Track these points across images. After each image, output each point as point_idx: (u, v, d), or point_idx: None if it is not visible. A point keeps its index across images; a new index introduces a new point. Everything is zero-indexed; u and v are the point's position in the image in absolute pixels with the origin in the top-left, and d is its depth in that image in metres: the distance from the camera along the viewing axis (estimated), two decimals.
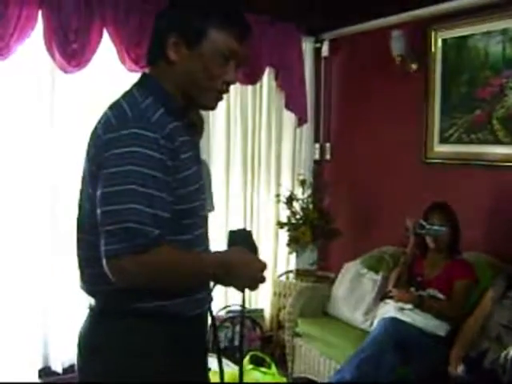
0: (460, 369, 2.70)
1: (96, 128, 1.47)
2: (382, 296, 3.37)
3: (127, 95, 1.49)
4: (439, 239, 3.25)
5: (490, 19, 3.44)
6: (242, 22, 1.52)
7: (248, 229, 1.64)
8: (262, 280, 1.49)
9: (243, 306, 1.63)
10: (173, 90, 1.50)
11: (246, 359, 3.11)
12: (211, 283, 1.58)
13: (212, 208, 3.54)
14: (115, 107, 1.45)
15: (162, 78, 1.50)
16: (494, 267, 3.24)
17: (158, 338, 1.46)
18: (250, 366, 3.03)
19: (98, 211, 1.35)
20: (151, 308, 1.44)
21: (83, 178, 1.50)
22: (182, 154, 1.43)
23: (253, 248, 1.55)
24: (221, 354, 1.72)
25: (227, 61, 1.50)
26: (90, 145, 1.47)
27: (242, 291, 1.54)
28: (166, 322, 1.47)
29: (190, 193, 1.46)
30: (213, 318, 1.71)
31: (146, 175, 1.33)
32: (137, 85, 1.52)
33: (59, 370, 3.69)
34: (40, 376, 3.70)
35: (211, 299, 1.64)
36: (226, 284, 1.51)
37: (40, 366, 3.70)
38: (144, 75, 1.56)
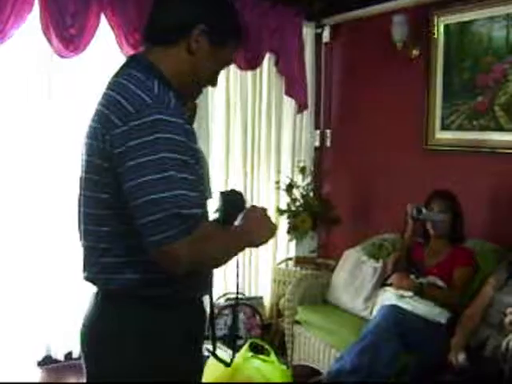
0: (461, 357, 2.68)
1: (104, 113, 1.41)
2: (382, 282, 3.36)
3: (128, 77, 1.44)
4: (438, 226, 3.23)
5: (493, 4, 3.39)
6: (246, 39, 1.64)
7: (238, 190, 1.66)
8: (272, 224, 1.56)
9: (237, 292, 1.63)
10: (171, 75, 1.48)
11: (245, 347, 3.09)
12: None
13: (210, 195, 3.52)
14: (123, 90, 1.40)
15: (161, 61, 1.48)
16: (496, 254, 3.22)
17: (171, 323, 1.48)
18: (250, 354, 3.01)
19: (135, 202, 1.32)
20: (159, 294, 1.45)
21: (88, 166, 1.47)
22: (195, 137, 1.45)
23: (244, 207, 1.59)
24: (215, 342, 1.71)
25: (223, 68, 1.60)
26: (100, 131, 1.40)
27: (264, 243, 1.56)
28: (172, 308, 1.48)
29: (202, 175, 1.50)
30: (211, 304, 1.71)
31: (178, 160, 1.33)
32: (132, 66, 1.48)
33: (60, 357, 3.70)
34: (40, 365, 3.71)
35: (212, 285, 1.65)
36: (252, 246, 1.56)
37: (41, 355, 3.71)
38: (137, 56, 1.54)
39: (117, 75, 1.48)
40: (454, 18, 3.64)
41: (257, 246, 1.54)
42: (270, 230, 1.54)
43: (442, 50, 3.71)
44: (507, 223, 3.09)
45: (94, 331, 1.51)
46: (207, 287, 1.60)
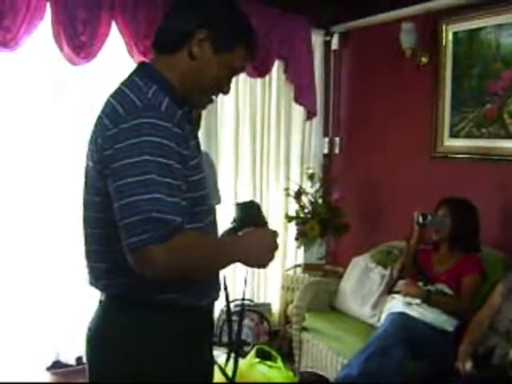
0: (468, 365, 2.67)
1: (101, 118, 1.45)
2: (389, 289, 3.35)
3: (129, 84, 1.47)
4: (443, 232, 3.23)
5: (501, 12, 3.40)
6: (256, 46, 1.58)
7: (255, 200, 1.63)
8: (276, 247, 1.50)
9: (243, 298, 1.61)
10: (175, 82, 1.49)
11: (252, 352, 3.10)
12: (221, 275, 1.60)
13: (219, 201, 3.53)
14: (119, 96, 1.44)
15: (167, 68, 1.49)
16: (504, 262, 3.22)
17: (170, 330, 1.47)
18: (256, 360, 3.02)
19: (116, 204, 1.33)
20: (164, 300, 1.45)
21: (87, 171, 1.50)
22: (190, 142, 1.44)
23: (262, 220, 1.57)
24: (233, 347, 1.72)
25: (234, 74, 1.56)
26: (95, 135, 1.45)
27: (261, 267, 1.52)
28: (178, 314, 1.48)
29: (199, 180, 1.47)
30: (228, 310, 1.71)
31: (162, 164, 1.32)
32: (137, 73, 1.51)
33: (71, 362, 3.72)
34: (49, 369, 3.73)
35: (220, 289, 1.64)
36: (246, 263, 1.49)
37: (50, 360, 3.73)
38: (143, 64, 1.56)
39: (122, 82, 1.50)
40: (462, 26, 3.65)
41: (250, 265, 1.49)
42: (267, 257, 1.49)
43: (451, 57, 3.72)
44: None
45: (97, 336, 1.53)
46: (211, 295, 1.58)
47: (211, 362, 1.69)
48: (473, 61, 3.59)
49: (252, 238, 1.50)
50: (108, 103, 1.45)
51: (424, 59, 3.85)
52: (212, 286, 1.57)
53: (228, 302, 1.68)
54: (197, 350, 1.56)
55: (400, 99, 4.09)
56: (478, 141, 3.57)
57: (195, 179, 1.45)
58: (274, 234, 1.52)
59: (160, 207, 1.30)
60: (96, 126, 1.46)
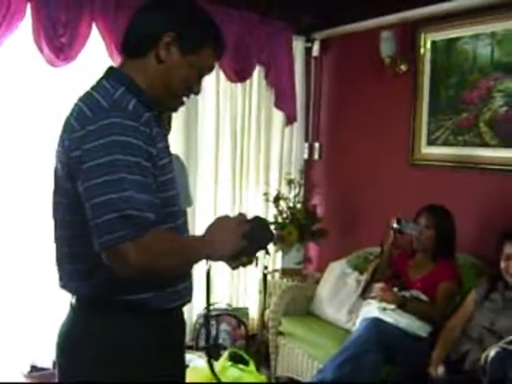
0: (440, 370, 2.70)
1: (69, 120, 1.45)
2: (362, 291, 3.37)
3: (97, 87, 1.48)
4: (420, 239, 3.26)
5: (478, 22, 3.45)
6: (224, 44, 1.59)
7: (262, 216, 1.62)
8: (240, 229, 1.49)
9: (208, 301, 1.60)
10: (144, 85, 1.50)
11: (225, 356, 3.10)
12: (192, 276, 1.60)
13: (189, 203, 3.54)
14: (87, 98, 1.45)
15: (136, 72, 1.50)
16: (478, 269, 3.26)
17: (140, 333, 1.47)
18: (229, 363, 3.03)
19: (87, 204, 1.34)
20: (136, 301, 1.45)
21: (56, 174, 1.50)
22: (158, 143, 1.44)
23: (270, 235, 1.57)
24: (211, 350, 1.72)
25: (203, 75, 1.57)
26: (62, 137, 1.46)
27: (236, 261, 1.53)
28: (150, 316, 1.48)
29: (168, 181, 1.48)
30: (207, 315, 1.71)
31: (132, 163, 1.33)
32: (105, 77, 1.52)
33: (48, 365, 3.68)
34: (26, 375, 3.69)
35: (192, 292, 1.63)
36: (217, 254, 1.48)
37: (27, 365, 3.69)
38: (112, 68, 1.56)
39: (91, 86, 1.50)
40: (440, 35, 3.70)
41: (219, 258, 1.49)
42: (232, 244, 1.48)
43: (429, 66, 3.76)
44: (489, 238, 3.11)
45: (66, 339, 1.53)
46: (184, 297, 1.58)
47: (183, 365, 1.69)
48: (450, 70, 3.64)
49: (212, 230, 1.49)
50: (75, 106, 1.46)
51: (403, 67, 3.89)
52: (185, 288, 1.57)
53: (208, 304, 1.68)
54: (168, 352, 1.55)
55: (379, 106, 4.13)
56: (454, 148, 3.61)
57: (163, 180, 1.46)
58: (235, 221, 1.52)
59: (132, 205, 1.31)
60: (63, 128, 1.47)
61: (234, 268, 1.56)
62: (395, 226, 3.24)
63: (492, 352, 2.54)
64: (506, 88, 3.33)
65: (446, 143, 3.66)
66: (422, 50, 3.78)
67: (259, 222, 1.56)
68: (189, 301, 1.62)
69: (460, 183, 3.57)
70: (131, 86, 1.47)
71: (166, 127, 3.36)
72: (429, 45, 3.75)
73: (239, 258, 1.53)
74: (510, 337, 2.60)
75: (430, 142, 3.76)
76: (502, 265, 2.81)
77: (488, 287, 2.88)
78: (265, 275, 1.76)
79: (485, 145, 3.44)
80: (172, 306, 1.53)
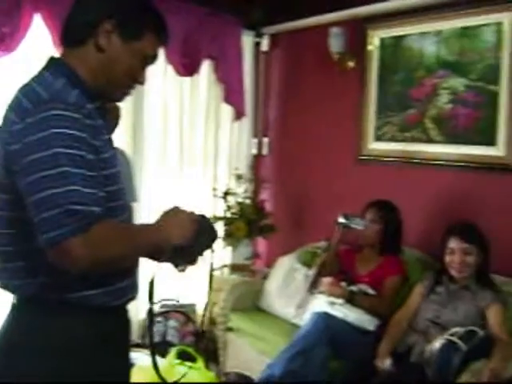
0: (387, 362, 2.74)
1: (7, 113, 1.40)
2: (310, 286, 3.39)
3: (37, 78, 1.43)
4: (366, 234, 3.29)
5: (425, 20, 3.50)
6: (167, 30, 1.55)
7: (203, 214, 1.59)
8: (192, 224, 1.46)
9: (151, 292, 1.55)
10: (86, 76, 1.46)
11: (172, 354, 3.06)
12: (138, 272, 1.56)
13: (135, 199, 3.50)
14: (26, 90, 1.39)
15: (77, 62, 1.46)
16: (424, 263, 3.31)
17: (82, 332, 1.43)
18: (176, 361, 2.99)
19: (29, 200, 1.28)
20: (79, 298, 1.40)
21: None
22: (102, 136, 1.41)
23: (215, 235, 1.56)
24: (154, 349, 1.67)
25: (147, 63, 1.53)
26: (1, 131, 1.39)
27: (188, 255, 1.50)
28: (92, 314, 1.44)
29: (113, 175, 1.44)
30: (150, 311, 1.66)
31: (75, 156, 1.29)
32: (46, 68, 1.47)
33: None
34: None
35: (137, 289, 1.59)
36: (168, 245, 1.44)
37: None
38: (53, 58, 1.51)
39: (32, 78, 1.45)
40: (388, 32, 3.74)
41: (169, 247, 1.45)
42: (184, 234, 1.45)
43: (377, 62, 3.80)
44: (434, 232, 3.17)
45: (6, 340, 1.47)
46: (129, 294, 1.53)
47: (128, 364, 1.65)
48: (397, 67, 3.69)
49: (163, 219, 1.46)
50: (15, 98, 1.41)
51: (351, 64, 3.91)
52: (129, 286, 1.53)
53: (152, 302, 1.63)
54: (112, 351, 1.51)
55: (328, 102, 4.15)
56: (401, 144, 3.66)
57: (107, 173, 1.41)
58: (184, 212, 1.49)
59: (77, 199, 1.27)
60: (3, 121, 1.41)
61: (180, 270, 1.53)
62: (342, 221, 3.26)
63: (437, 344, 2.60)
64: (451, 86, 3.39)
65: (393, 139, 3.71)
66: (370, 47, 3.82)
67: (205, 221, 1.55)
68: (133, 298, 1.58)
69: (406, 179, 3.63)
70: (73, 76, 1.43)
71: (114, 120, 3.31)
72: (377, 42, 3.79)
73: (185, 256, 1.50)
74: (453, 329, 2.66)
75: (378, 138, 3.81)
76: (447, 259, 2.86)
77: (433, 281, 2.94)
78: (211, 274, 1.73)
79: (430, 141, 3.50)
80: (116, 304, 1.49)
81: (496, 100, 3.18)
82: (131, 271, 1.54)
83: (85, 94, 1.41)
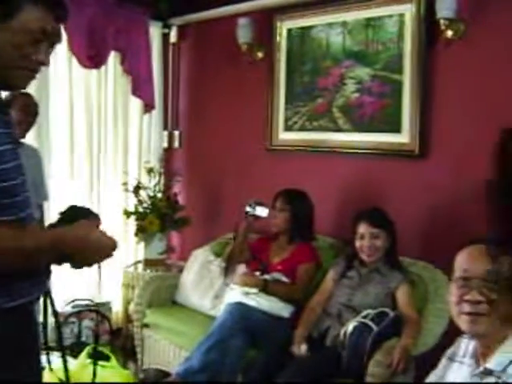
0: (303, 348, 2.78)
1: None
2: (224, 277, 3.40)
3: None
4: (274, 223, 3.35)
5: (331, 11, 3.57)
6: (59, 2, 1.45)
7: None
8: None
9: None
10: None
11: (83, 354, 2.97)
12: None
13: (46, 197, 3.40)
14: None
15: None
16: (336, 249, 3.38)
17: None
18: (88, 360, 2.90)
19: None
20: None
21: None
22: None
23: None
24: (64, 351, 1.60)
25: (39, 40, 1.42)
26: None
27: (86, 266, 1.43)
28: None
29: (9, 170, 1.36)
30: (55, 312, 1.58)
31: None
32: None
33: None
34: None
35: (42, 289, 1.52)
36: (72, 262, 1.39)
37: None
38: None
39: None
40: (296, 23, 3.78)
41: (76, 262, 1.40)
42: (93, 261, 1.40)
43: (285, 53, 3.84)
44: (345, 219, 3.24)
45: None
46: (29, 295, 1.44)
47: (35, 366, 1.56)
48: (305, 57, 3.74)
49: (82, 233, 1.38)
50: None
51: (260, 54, 3.94)
52: (32, 285, 1.44)
53: (52, 303, 1.55)
54: (19, 355, 1.43)
55: (238, 93, 4.16)
56: (310, 134, 3.72)
57: (1, 168, 1.34)
58: (112, 241, 1.43)
59: None
60: None
61: (77, 267, 1.46)
62: (247, 209, 3.30)
63: (350, 327, 2.66)
64: (357, 75, 3.47)
65: (302, 129, 3.76)
66: (278, 38, 3.85)
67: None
68: (38, 298, 1.50)
69: (317, 167, 3.69)
70: None
71: (30, 117, 3.20)
72: (284, 32, 3.82)
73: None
74: (365, 311, 2.73)
75: (287, 128, 3.85)
76: (357, 244, 2.93)
77: (345, 265, 3.01)
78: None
79: (339, 130, 3.57)
80: (13, 305, 1.39)
81: (400, 89, 3.29)
82: (32, 271, 1.44)
83: None
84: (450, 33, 3.01)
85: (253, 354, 2.95)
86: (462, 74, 3.08)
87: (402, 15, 3.27)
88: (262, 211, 3.30)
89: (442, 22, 2.98)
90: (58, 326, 1.63)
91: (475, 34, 2.99)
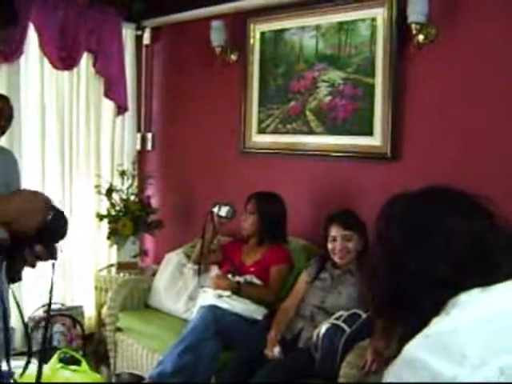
0: (276, 350, 2.78)
1: None
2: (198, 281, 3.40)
3: None
4: (243, 225, 3.38)
5: (304, 14, 3.58)
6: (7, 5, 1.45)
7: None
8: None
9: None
10: None
11: (54, 358, 2.94)
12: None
13: None
14: None
15: None
16: (309, 251, 3.39)
17: None
18: (59, 365, 2.86)
19: None
20: None
21: None
22: None
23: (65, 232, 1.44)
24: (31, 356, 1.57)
25: None
26: None
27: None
28: None
29: None
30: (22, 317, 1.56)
31: None
32: None
33: None
34: None
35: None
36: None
37: None
38: None
39: None
40: (269, 26, 3.79)
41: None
42: (33, 221, 1.25)
43: (258, 56, 3.84)
44: (318, 221, 3.25)
45: None
46: None
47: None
48: (278, 60, 3.75)
49: (22, 195, 1.30)
50: None
51: (233, 57, 3.94)
52: None
53: (49, 308, 1.51)
54: None
55: (211, 96, 4.15)
56: (283, 136, 3.72)
57: None
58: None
59: None
60: None
61: (29, 264, 1.39)
62: (213, 209, 3.34)
63: (323, 328, 2.67)
64: (330, 78, 3.49)
65: (275, 131, 3.77)
66: (251, 41, 3.85)
67: (60, 213, 1.44)
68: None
69: (290, 170, 3.71)
70: None
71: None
72: (258, 35, 3.83)
73: (34, 246, 1.31)
74: (338, 313, 2.75)
75: (261, 131, 3.85)
76: (330, 246, 2.95)
77: (318, 267, 3.02)
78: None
79: (312, 132, 3.59)
80: None
81: (372, 92, 3.31)
82: None
83: None
84: (421, 37, 3.04)
85: (226, 356, 2.95)
86: (434, 78, 3.12)
87: (374, 19, 3.30)
88: (227, 212, 3.33)
89: (413, 26, 3.01)
90: (26, 331, 1.61)
91: (446, 38, 3.02)
